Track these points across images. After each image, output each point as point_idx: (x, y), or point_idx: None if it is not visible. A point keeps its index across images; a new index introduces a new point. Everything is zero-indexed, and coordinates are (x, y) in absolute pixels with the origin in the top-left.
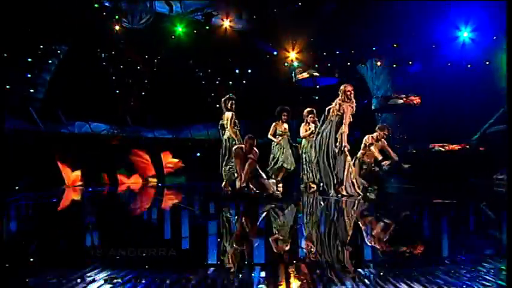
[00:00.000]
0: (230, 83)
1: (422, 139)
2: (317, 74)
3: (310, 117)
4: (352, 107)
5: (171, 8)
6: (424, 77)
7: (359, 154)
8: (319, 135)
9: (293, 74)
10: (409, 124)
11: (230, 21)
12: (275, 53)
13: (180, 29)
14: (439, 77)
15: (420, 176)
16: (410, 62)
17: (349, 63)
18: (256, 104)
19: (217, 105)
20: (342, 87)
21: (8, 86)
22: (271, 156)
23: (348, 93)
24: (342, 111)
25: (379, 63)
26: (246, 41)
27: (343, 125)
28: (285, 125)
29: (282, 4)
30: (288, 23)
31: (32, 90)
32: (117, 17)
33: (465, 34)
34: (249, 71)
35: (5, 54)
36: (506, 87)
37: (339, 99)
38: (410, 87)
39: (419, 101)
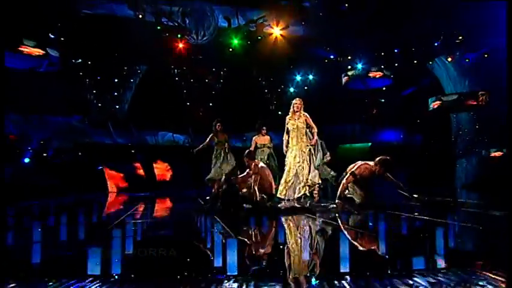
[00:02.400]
0: (292, 90)
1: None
2: (365, 75)
3: None
4: None
5: (229, 21)
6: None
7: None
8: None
9: (342, 77)
10: (488, 125)
11: (282, 29)
12: (332, 56)
13: (236, 41)
14: None
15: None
16: (486, 55)
17: (415, 61)
18: (320, 109)
19: (280, 113)
20: (297, 101)
21: (100, 104)
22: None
23: (300, 106)
24: (305, 117)
25: (449, 59)
26: (302, 47)
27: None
28: (266, 138)
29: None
30: (342, 25)
31: (117, 107)
32: (179, 35)
33: None
34: (310, 76)
35: (98, 77)
36: (506, 87)
37: (298, 110)
38: (490, 83)
39: (486, 98)
